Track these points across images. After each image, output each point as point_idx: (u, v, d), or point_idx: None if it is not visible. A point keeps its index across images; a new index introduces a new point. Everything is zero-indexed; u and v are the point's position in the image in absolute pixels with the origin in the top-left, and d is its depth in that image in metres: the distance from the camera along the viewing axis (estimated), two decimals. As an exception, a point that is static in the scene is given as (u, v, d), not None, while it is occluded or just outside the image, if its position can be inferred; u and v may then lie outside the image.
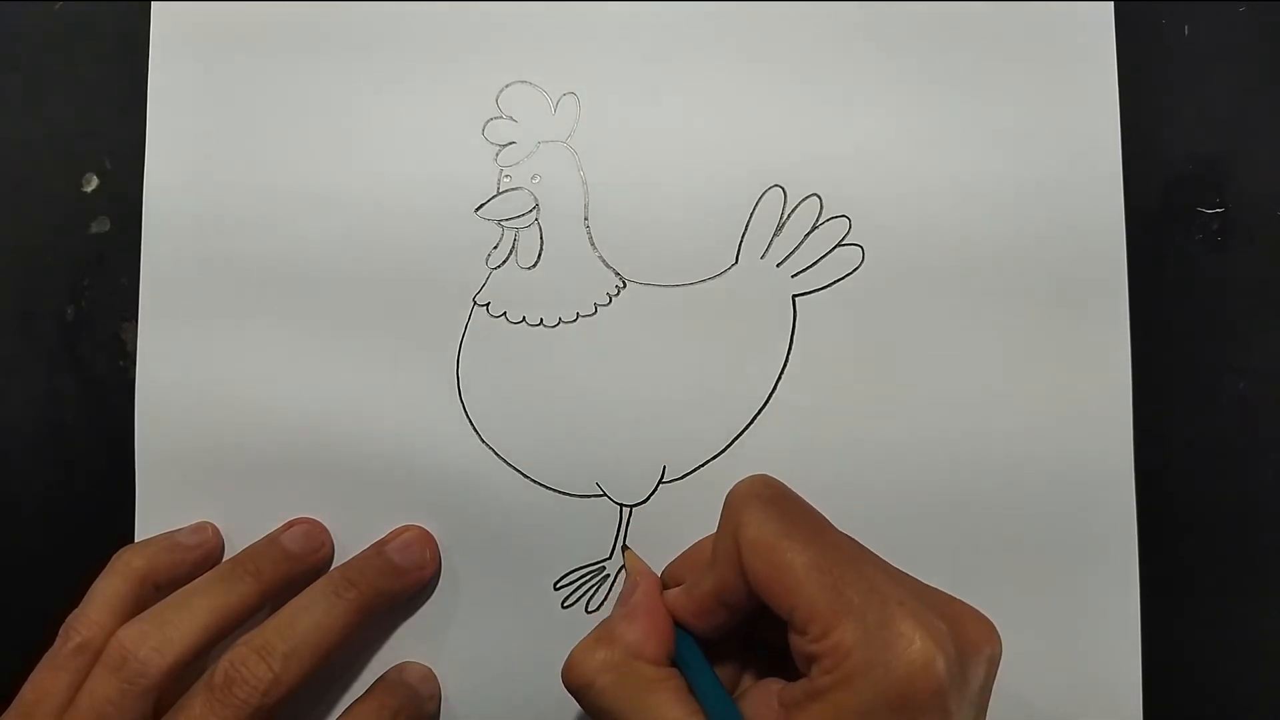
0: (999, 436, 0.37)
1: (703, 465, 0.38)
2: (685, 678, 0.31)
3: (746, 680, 0.33)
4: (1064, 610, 0.37)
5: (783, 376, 0.38)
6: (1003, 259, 0.38)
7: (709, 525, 0.33)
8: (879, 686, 0.26)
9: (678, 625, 0.32)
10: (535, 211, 0.38)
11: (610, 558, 0.38)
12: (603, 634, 0.32)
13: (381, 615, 0.37)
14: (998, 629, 0.29)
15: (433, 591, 0.38)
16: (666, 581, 0.35)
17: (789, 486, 0.32)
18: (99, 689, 0.33)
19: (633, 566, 0.36)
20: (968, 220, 0.38)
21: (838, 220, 0.38)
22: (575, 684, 0.31)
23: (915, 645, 0.27)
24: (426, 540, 0.38)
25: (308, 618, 0.34)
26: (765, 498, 0.31)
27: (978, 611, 0.29)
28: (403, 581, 0.37)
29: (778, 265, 0.38)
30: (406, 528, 0.38)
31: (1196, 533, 0.38)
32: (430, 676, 0.38)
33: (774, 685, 0.31)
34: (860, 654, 0.27)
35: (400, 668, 0.38)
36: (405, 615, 0.38)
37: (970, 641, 0.28)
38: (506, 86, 0.39)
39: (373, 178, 0.39)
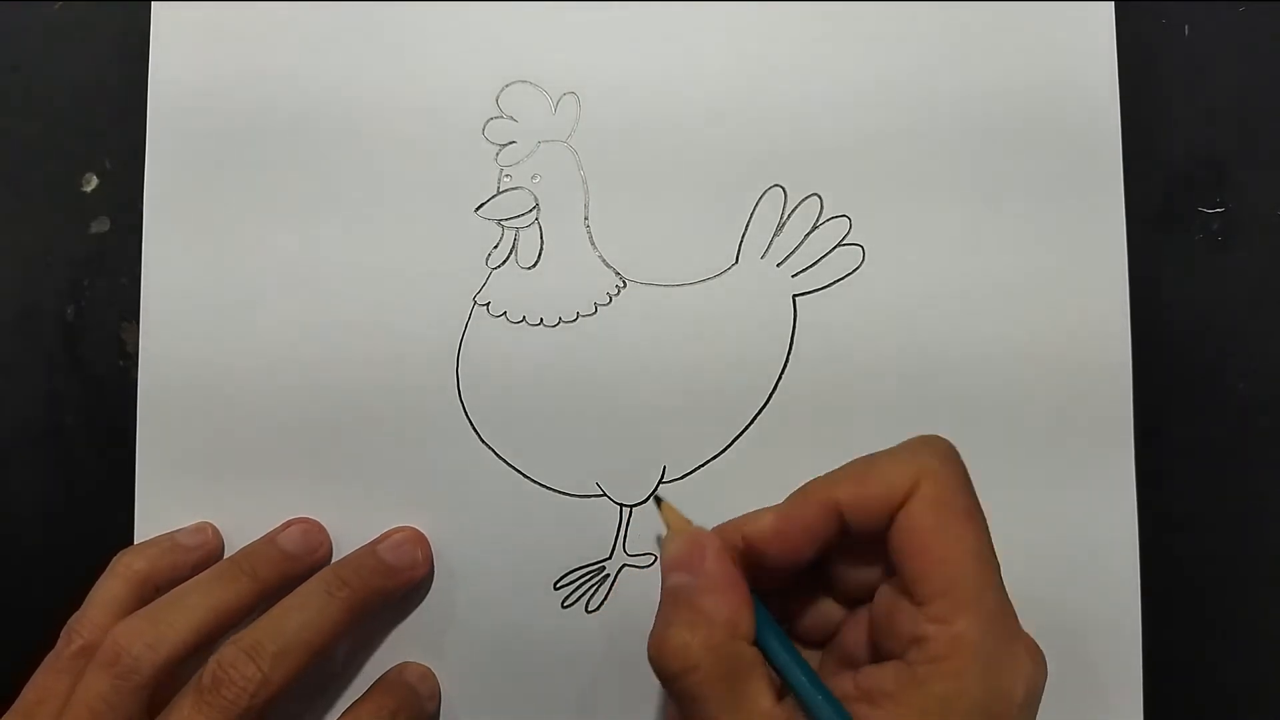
0: (999, 437, 0.37)
1: (703, 465, 0.38)
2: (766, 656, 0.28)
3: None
4: (1065, 611, 0.37)
5: (783, 376, 0.38)
6: (1003, 258, 0.38)
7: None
8: (989, 693, 0.26)
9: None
10: (535, 211, 0.38)
11: (610, 557, 0.38)
12: (689, 613, 0.28)
13: (374, 615, 0.37)
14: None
15: (432, 591, 0.38)
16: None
17: None
18: (92, 685, 0.33)
19: (677, 525, 0.30)
20: (967, 220, 0.38)
21: (838, 220, 0.38)
22: (676, 669, 0.27)
23: (1028, 669, 0.27)
24: (419, 540, 0.38)
25: (298, 617, 0.34)
26: (962, 470, 0.29)
27: (1038, 646, 0.29)
28: (395, 581, 0.37)
29: (778, 265, 0.38)
30: (399, 528, 0.38)
31: (1196, 533, 0.38)
32: (430, 676, 0.38)
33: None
34: (978, 654, 0.26)
35: (400, 668, 0.37)
36: (405, 615, 0.38)
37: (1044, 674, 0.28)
38: (506, 86, 0.39)
39: (373, 177, 0.39)
